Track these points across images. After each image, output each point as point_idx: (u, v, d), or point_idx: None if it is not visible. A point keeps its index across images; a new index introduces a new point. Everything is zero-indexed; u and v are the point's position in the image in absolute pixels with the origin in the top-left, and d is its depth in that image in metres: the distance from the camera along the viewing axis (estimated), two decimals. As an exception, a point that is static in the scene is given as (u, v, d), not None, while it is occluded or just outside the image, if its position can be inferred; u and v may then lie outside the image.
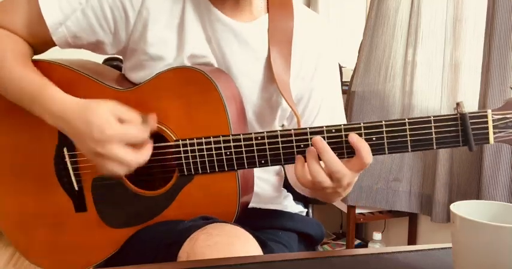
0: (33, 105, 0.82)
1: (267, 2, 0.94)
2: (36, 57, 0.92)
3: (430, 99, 1.96)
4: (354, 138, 0.74)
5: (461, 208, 0.58)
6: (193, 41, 0.88)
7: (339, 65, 1.30)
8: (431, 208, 1.90)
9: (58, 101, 0.80)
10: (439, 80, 1.89)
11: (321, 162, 0.76)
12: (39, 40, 0.90)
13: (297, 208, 1.08)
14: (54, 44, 0.90)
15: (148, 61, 0.88)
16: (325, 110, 0.99)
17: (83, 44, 0.90)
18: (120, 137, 0.74)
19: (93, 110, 0.76)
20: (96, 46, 0.92)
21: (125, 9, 0.86)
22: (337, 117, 1.00)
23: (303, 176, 0.76)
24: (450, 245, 0.59)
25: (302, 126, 0.97)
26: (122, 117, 0.76)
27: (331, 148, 0.77)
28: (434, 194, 1.88)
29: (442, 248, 0.71)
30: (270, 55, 0.90)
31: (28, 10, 0.87)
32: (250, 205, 0.93)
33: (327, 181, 0.74)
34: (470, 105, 1.74)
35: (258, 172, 0.92)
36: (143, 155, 0.77)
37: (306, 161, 0.76)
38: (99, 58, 1.06)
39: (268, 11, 0.93)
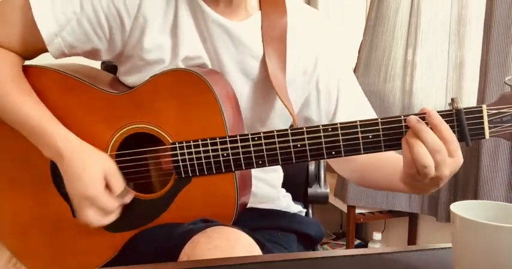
0: (32, 137, 0.84)
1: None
2: (28, 62, 0.91)
3: (431, 99, 1.96)
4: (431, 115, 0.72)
5: (461, 208, 0.57)
6: (188, 42, 0.88)
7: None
8: (437, 208, 1.90)
9: (60, 140, 0.82)
10: (441, 79, 1.89)
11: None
12: (33, 50, 0.89)
13: (296, 208, 1.08)
14: (47, 51, 0.89)
15: (145, 66, 0.88)
16: (345, 98, 0.98)
17: (77, 53, 0.90)
18: (96, 201, 0.81)
19: (89, 166, 0.82)
20: (91, 54, 0.91)
21: (121, 17, 0.85)
22: (362, 107, 0.99)
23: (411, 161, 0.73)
24: (450, 245, 0.59)
25: (326, 117, 0.98)
26: (109, 184, 0.82)
27: (327, 147, 0.77)
28: (439, 194, 1.88)
29: (442, 248, 0.70)
30: (264, 53, 0.90)
31: (22, 22, 0.85)
32: (249, 205, 0.93)
33: (431, 164, 0.71)
34: (474, 103, 1.74)
35: (255, 171, 0.92)
36: (105, 221, 0.83)
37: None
38: (95, 62, 1.05)
39: (260, 9, 0.93)
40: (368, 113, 0.99)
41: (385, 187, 0.94)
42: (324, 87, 0.97)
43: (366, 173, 0.96)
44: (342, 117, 0.97)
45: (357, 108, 0.99)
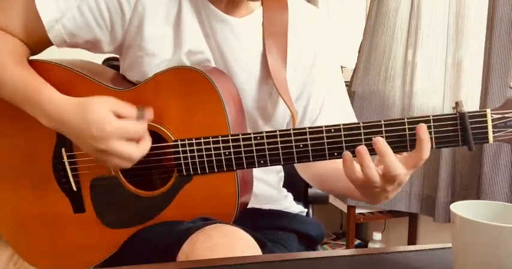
0: (28, 106, 0.82)
1: None
2: (33, 57, 0.91)
3: (430, 99, 1.96)
4: (423, 128, 0.72)
5: (461, 208, 0.57)
6: (190, 37, 0.88)
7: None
8: (434, 208, 1.90)
9: (54, 102, 0.80)
10: (441, 79, 1.89)
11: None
12: (35, 39, 0.89)
13: (297, 208, 1.08)
14: (51, 43, 0.89)
15: (144, 58, 0.88)
16: (330, 103, 0.98)
17: (78, 42, 0.90)
18: (119, 132, 0.75)
19: (91, 108, 0.77)
20: (92, 44, 0.91)
21: (121, 5, 0.86)
22: (345, 110, 0.99)
23: (353, 173, 0.74)
24: (450, 245, 0.59)
25: (309, 119, 0.98)
26: (119, 113, 0.77)
27: (329, 148, 0.77)
28: (436, 194, 1.88)
29: (442, 248, 0.70)
30: (265, 48, 0.90)
31: (24, 8, 0.86)
32: (250, 205, 0.93)
33: (379, 181, 0.72)
34: (473, 104, 1.74)
35: (256, 172, 0.92)
36: (143, 148, 0.78)
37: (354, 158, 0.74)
38: (98, 58, 1.05)
39: (262, 4, 0.94)
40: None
41: (343, 194, 0.96)
42: (316, 89, 0.98)
43: (325, 181, 0.98)
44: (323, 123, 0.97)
45: (339, 117, 0.98)
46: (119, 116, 0.77)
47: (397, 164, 0.71)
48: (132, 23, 0.88)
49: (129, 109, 0.79)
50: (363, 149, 0.72)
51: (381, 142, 0.72)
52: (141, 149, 0.78)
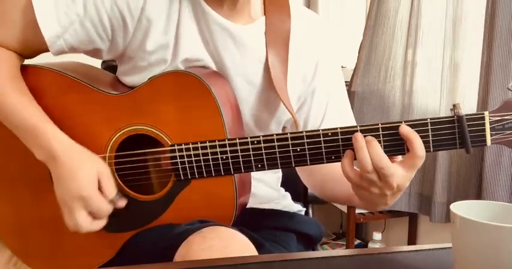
0: (24, 138, 0.83)
1: (264, 4, 0.93)
2: (26, 61, 0.90)
3: (430, 99, 1.96)
4: (405, 129, 0.73)
5: (461, 208, 0.57)
6: (188, 44, 0.87)
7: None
8: (430, 208, 1.90)
9: (54, 141, 0.81)
10: (438, 80, 1.89)
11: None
12: (33, 50, 0.89)
13: (296, 207, 1.08)
14: (48, 50, 0.88)
15: (147, 67, 0.88)
16: (332, 112, 0.98)
17: (79, 52, 0.90)
18: (89, 201, 0.79)
19: (83, 166, 0.80)
20: (92, 53, 0.91)
21: (123, 18, 0.85)
22: (347, 119, 0.99)
23: (351, 170, 0.74)
24: (450, 245, 0.59)
25: (311, 128, 0.97)
26: (102, 186, 0.80)
27: (327, 152, 0.77)
28: (433, 194, 1.88)
29: (442, 248, 0.70)
30: (267, 58, 0.90)
31: (24, 22, 0.85)
32: (248, 205, 0.93)
33: (374, 173, 0.72)
34: (469, 106, 1.74)
35: (254, 172, 0.92)
36: (94, 226, 0.82)
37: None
38: (95, 61, 1.05)
39: (265, 14, 0.93)
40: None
41: (343, 200, 0.95)
42: (317, 98, 0.97)
43: (326, 186, 0.97)
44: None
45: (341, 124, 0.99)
46: (99, 188, 0.80)
47: (384, 155, 0.72)
48: (135, 36, 0.87)
49: (111, 188, 0.82)
50: (359, 134, 0.74)
51: (360, 135, 0.73)
52: (92, 226, 0.81)
